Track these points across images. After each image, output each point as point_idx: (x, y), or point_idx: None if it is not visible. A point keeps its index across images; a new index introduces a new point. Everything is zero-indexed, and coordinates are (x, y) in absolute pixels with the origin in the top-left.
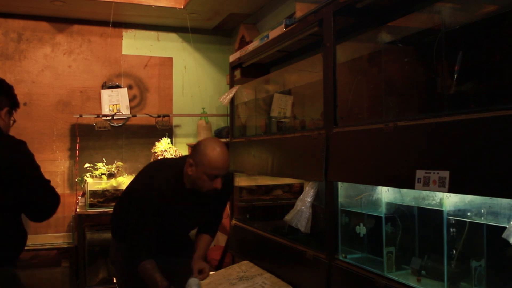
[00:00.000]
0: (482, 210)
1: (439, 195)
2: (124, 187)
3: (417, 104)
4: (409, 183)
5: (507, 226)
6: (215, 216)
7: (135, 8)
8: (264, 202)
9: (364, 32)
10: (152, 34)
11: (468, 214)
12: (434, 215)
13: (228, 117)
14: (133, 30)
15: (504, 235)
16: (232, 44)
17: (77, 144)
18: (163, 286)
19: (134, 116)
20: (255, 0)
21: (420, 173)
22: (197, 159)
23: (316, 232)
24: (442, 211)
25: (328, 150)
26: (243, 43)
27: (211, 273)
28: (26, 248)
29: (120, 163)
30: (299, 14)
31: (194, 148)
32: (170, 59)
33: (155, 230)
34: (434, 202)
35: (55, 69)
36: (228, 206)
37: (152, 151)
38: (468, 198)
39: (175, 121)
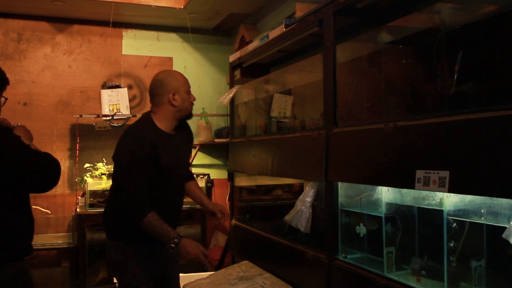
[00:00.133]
0: (482, 210)
1: (439, 195)
2: None
3: (417, 104)
4: (409, 183)
5: (507, 226)
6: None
7: (135, 8)
8: (264, 202)
9: (364, 32)
10: (152, 34)
11: (468, 214)
12: (434, 215)
13: (228, 117)
14: (133, 30)
15: (504, 235)
16: (232, 44)
17: (77, 144)
18: (176, 235)
19: (134, 116)
20: (255, 0)
21: (420, 173)
22: (170, 87)
23: (316, 232)
24: (442, 211)
25: (328, 150)
26: (243, 43)
27: (211, 273)
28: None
29: None
30: (299, 14)
31: (155, 90)
32: (170, 59)
33: (148, 185)
34: (434, 202)
35: (55, 69)
36: (228, 206)
37: None
38: (468, 198)
39: None
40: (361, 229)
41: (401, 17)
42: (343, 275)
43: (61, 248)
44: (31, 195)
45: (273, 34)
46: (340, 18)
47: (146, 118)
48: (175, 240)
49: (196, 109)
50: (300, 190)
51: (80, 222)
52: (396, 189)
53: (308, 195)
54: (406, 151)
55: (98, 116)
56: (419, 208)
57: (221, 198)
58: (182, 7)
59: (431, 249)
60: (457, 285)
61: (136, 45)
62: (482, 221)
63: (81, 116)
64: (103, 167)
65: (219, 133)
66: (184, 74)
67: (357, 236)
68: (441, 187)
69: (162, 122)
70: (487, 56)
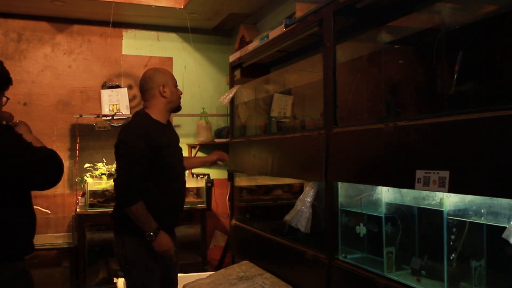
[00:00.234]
0: (482, 210)
1: (439, 195)
2: None
3: (417, 104)
4: (409, 183)
5: (507, 226)
6: None
7: (135, 8)
8: (264, 202)
9: (364, 32)
10: (152, 34)
11: (468, 214)
12: (434, 215)
13: (228, 117)
14: (133, 30)
15: (504, 235)
16: (232, 44)
17: (77, 144)
18: (156, 226)
19: None
20: (255, 0)
21: (420, 173)
22: (160, 81)
23: (316, 232)
24: (442, 211)
25: (328, 150)
26: (243, 43)
27: (211, 273)
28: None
29: None
30: (299, 14)
31: (145, 85)
32: (170, 59)
33: (144, 173)
34: (434, 202)
35: (55, 69)
36: (228, 206)
37: None
38: (468, 198)
39: (175, 121)
40: (361, 229)
41: (401, 17)
42: (343, 275)
43: (61, 248)
44: (31, 194)
45: (273, 34)
46: (340, 18)
47: (141, 112)
48: (155, 231)
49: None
50: (300, 190)
51: (80, 222)
52: (396, 189)
53: (308, 195)
54: (406, 151)
55: (98, 116)
56: (419, 208)
57: (221, 198)
58: (182, 7)
59: (431, 249)
60: (457, 285)
61: (136, 45)
62: (482, 221)
63: (81, 116)
64: (103, 167)
65: (219, 133)
66: (184, 74)
67: (357, 236)
68: (441, 187)
69: (156, 114)
70: (487, 56)
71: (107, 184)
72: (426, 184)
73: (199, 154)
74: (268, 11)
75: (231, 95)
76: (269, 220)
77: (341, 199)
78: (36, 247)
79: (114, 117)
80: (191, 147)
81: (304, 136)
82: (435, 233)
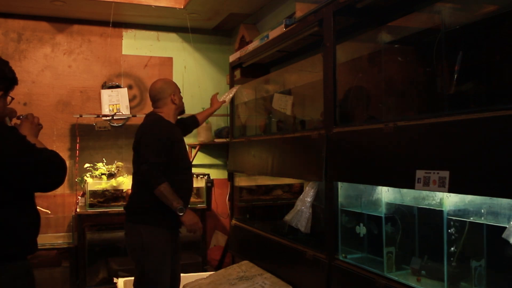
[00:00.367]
0: (482, 210)
1: (439, 195)
2: (124, 187)
3: (417, 104)
4: (409, 183)
5: (507, 226)
6: None
7: (135, 8)
8: (264, 202)
9: (364, 32)
10: (152, 34)
11: (468, 214)
12: (434, 215)
13: (228, 117)
14: (133, 30)
15: (504, 235)
16: (232, 44)
17: (77, 144)
18: (182, 203)
19: (134, 116)
20: (255, 0)
21: (420, 173)
22: (170, 90)
23: (316, 232)
24: (442, 211)
25: (328, 150)
26: (243, 43)
27: (211, 273)
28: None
29: (120, 163)
30: (299, 14)
31: (158, 96)
32: (170, 59)
33: (166, 162)
34: (434, 202)
35: (55, 69)
36: (228, 206)
37: None
38: (468, 198)
39: None
40: (361, 229)
41: (401, 17)
42: (343, 275)
43: (61, 248)
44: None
45: (273, 34)
46: (340, 18)
47: (154, 114)
48: (184, 206)
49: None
50: (300, 190)
51: (80, 222)
52: (396, 189)
53: (308, 195)
54: (406, 151)
55: (98, 116)
56: (419, 208)
57: (221, 198)
58: (182, 7)
59: (431, 249)
60: (457, 285)
61: (136, 45)
62: (482, 221)
63: (81, 116)
64: (103, 167)
65: (219, 133)
66: (184, 74)
67: (357, 236)
68: (441, 187)
69: (167, 117)
70: (487, 56)
71: (107, 184)
72: (426, 184)
73: (199, 154)
74: (268, 11)
75: (231, 95)
76: (269, 220)
77: (341, 199)
78: None
79: (114, 117)
80: (191, 147)
81: (304, 136)
82: (435, 233)
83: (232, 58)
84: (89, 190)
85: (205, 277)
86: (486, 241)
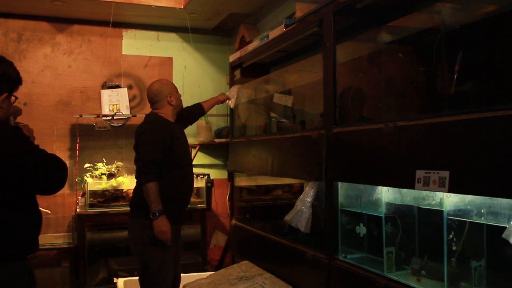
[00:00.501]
0: (482, 210)
1: (439, 195)
2: (124, 187)
3: (417, 104)
4: (409, 183)
5: (507, 226)
6: None
7: (135, 8)
8: (264, 202)
9: (364, 32)
10: (152, 34)
11: (468, 214)
12: (434, 215)
13: (228, 117)
14: (133, 30)
15: (504, 235)
16: (232, 44)
17: (77, 144)
18: (161, 208)
19: (134, 116)
20: (255, 0)
21: (420, 173)
22: (167, 92)
23: (316, 232)
24: (442, 211)
25: (328, 150)
26: (243, 43)
27: (211, 273)
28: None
29: (120, 163)
30: (299, 14)
31: (155, 98)
32: (170, 59)
33: (162, 160)
34: (434, 202)
35: (55, 69)
36: (228, 206)
37: None
38: (468, 198)
39: None
40: (361, 229)
41: (401, 17)
42: (343, 275)
43: (61, 248)
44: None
45: (273, 34)
46: (340, 18)
47: (153, 113)
48: (160, 212)
49: None
50: (300, 190)
51: (80, 222)
52: (396, 189)
53: (308, 195)
54: (406, 151)
55: (98, 116)
56: (419, 208)
57: (221, 198)
58: (182, 7)
59: (431, 249)
60: (457, 285)
61: (136, 45)
62: (482, 221)
63: (81, 116)
64: (103, 167)
65: (219, 133)
66: (184, 74)
67: (357, 236)
68: (441, 187)
69: (166, 116)
70: (487, 56)
71: (107, 184)
72: (426, 184)
73: (199, 154)
74: (268, 11)
75: (235, 97)
76: (269, 220)
77: (341, 199)
78: None
79: (114, 117)
80: (191, 147)
81: (304, 136)
82: (435, 233)
83: (232, 58)
84: (89, 190)
85: (205, 277)
86: (486, 241)
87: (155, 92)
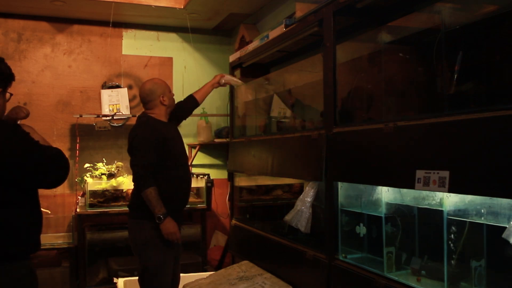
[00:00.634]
0: (482, 210)
1: (439, 195)
2: (124, 187)
3: (417, 104)
4: (409, 183)
5: (507, 226)
6: None
7: (135, 8)
8: (264, 202)
9: (364, 32)
10: (152, 34)
11: (468, 214)
12: (434, 215)
13: (228, 117)
14: (133, 30)
15: (504, 235)
16: (232, 44)
17: (77, 144)
18: (165, 211)
19: (134, 116)
20: (255, 0)
21: (420, 173)
22: (160, 91)
23: (316, 232)
24: (442, 211)
25: (328, 150)
26: (243, 43)
27: (211, 273)
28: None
29: (120, 163)
30: (299, 14)
31: (147, 98)
32: (170, 59)
33: (156, 163)
34: (434, 202)
35: (55, 69)
36: (228, 206)
37: None
38: (468, 198)
39: None
40: (361, 229)
41: (401, 17)
42: (343, 275)
43: (61, 248)
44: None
45: (273, 34)
46: (340, 18)
47: (145, 115)
48: (164, 214)
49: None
50: (300, 190)
51: (80, 222)
52: (396, 189)
53: (308, 195)
54: (406, 151)
55: (98, 116)
56: (419, 208)
57: (221, 198)
58: (182, 7)
59: (431, 249)
60: (457, 285)
61: (136, 45)
62: (482, 221)
63: (81, 116)
64: (103, 167)
65: (219, 133)
66: (184, 74)
67: (357, 236)
68: (441, 187)
69: (158, 116)
70: (487, 56)
71: (107, 184)
72: (426, 184)
73: (199, 154)
74: (268, 11)
75: (234, 80)
76: (269, 220)
77: (341, 199)
78: None
79: (114, 117)
80: (191, 147)
81: (304, 136)
82: (435, 233)
83: (232, 58)
84: (89, 190)
85: (205, 277)
86: (486, 241)
87: (147, 92)
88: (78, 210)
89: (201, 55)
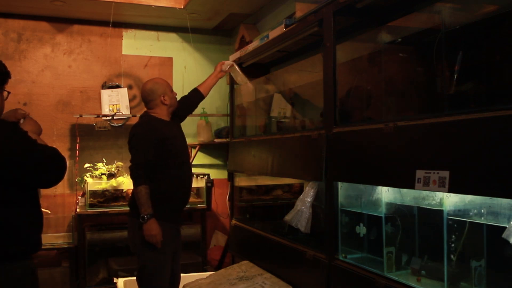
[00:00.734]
0: (482, 210)
1: (439, 195)
2: (124, 187)
3: (417, 104)
4: (409, 183)
5: (507, 226)
6: None
7: (135, 8)
8: (264, 202)
9: (364, 32)
10: (152, 34)
11: (468, 214)
12: (434, 215)
13: (228, 117)
14: (133, 30)
15: (504, 235)
16: (232, 44)
17: (77, 144)
18: (151, 212)
19: (134, 116)
20: (255, 0)
21: (420, 173)
22: (160, 91)
23: (316, 232)
24: (442, 211)
25: (328, 150)
26: (243, 43)
27: (211, 273)
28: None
29: (120, 163)
30: (299, 14)
31: (148, 97)
32: (170, 59)
33: (153, 162)
34: (434, 202)
35: (55, 69)
36: (228, 206)
37: None
38: (468, 198)
39: None
40: (361, 229)
41: (401, 17)
42: (343, 275)
43: (61, 248)
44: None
45: (273, 34)
46: (340, 18)
47: (147, 114)
48: (148, 215)
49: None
50: (300, 190)
51: (80, 222)
52: (396, 189)
53: (308, 195)
54: (406, 151)
55: (98, 116)
56: (419, 208)
57: (221, 198)
58: (182, 7)
59: (431, 249)
60: (457, 285)
61: (136, 45)
62: (482, 221)
63: (81, 116)
64: (103, 167)
65: (219, 133)
66: (184, 74)
67: (357, 236)
68: (441, 187)
69: (160, 115)
70: (487, 56)
71: (107, 184)
72: (426, 184)
73: (199, 154)
74: (268, 11)
75: (236, 69)
76: (269, 220)
77: (341, 199)
78: None
79: (114, 117)
80: (191, 147)
81: (304, 136)
82: (435, 233)
83: (232, 58)
84: (89, 190)
85: (205, 277)
86: (486, 241)
87: (148, 92)
88: (78, 210)
89: (201, 55)
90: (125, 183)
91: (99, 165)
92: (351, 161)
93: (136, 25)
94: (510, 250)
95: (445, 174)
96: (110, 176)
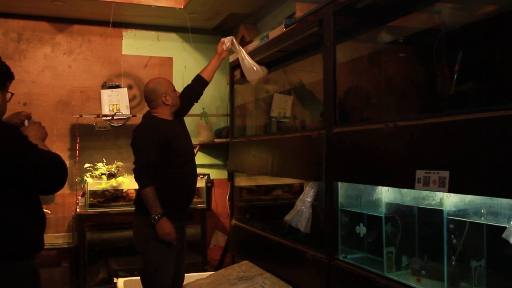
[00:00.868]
0: (482, 210)
1: (439, 195)
2: (124, 187)
3: (417, 104)
4: (409, 183)
5: (507, 226)
6: None
7: (135, 8)
8: (264, 202)
9: (364, 32)
10: (152, 34)
11: (468, 214)
12: (434, 215)
13: (228, 117)
14: (133, 30)
15: (504, 235)
16: None
17: (77, 144)
18: (161, 211)
19: (134, 116)
20: (255, 0)
21: (420, 173)
22: (162, 91)
23: (316, 232)
24: (442, 211)
25: (328, 150)
26: (243, 43)
27: (211, 273)
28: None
29: (120, 163)
30: (299, 14)
31: (150, 97)
32: (170, 59)
33: (156, 163)
34: (434, 202)
35: (55, 69)
36: (228, 206)
37: None
38: (468, 198)
39: None
40: (361, 229)
41: (401, 17)
42: (343, 275)
43: (61, 248)
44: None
45: (273, 34)
46: (340, 18)
47: (149, 114)
48: (159, 215)
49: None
50: (300, 190)
51: (80, 222)
52: (396, 189)
53: (308, 195)
54: (406, 151)
55: (98, 116)
56: (419, 208)
57: (221, 198)
58: (182, 7)
59: (431, 249)
60: (457, 285)
61: (136, 45)
62: (482, 221)
63: (81, 116)
64: (103, 167)
65: (219, 133)
66: (184, 74)
67: (357, 236)
68: (441, 187)
69: (162, 115)
70: (487, 56)
71: (107, 184)
72: (426, 184)
73: (199, 154)
74: (268, 11)
75: (235, 43)
76: (269, 220)
77: (341, 199)
78: None
79: (114, 117)
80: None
81: (304, 136)
82: (435, 233)
83: (232, 58)
84: (89, 190)
85: (205, 277)
86: (486, 241)
87: (150, 92)
88: (78, 210)
89: (201, 55)
90: (125, 183)
91: (99, 165)
92: (351, 161)
93: (136, 25)
94: (510, 250)
95: (445, 174)
96: (110, 176)
